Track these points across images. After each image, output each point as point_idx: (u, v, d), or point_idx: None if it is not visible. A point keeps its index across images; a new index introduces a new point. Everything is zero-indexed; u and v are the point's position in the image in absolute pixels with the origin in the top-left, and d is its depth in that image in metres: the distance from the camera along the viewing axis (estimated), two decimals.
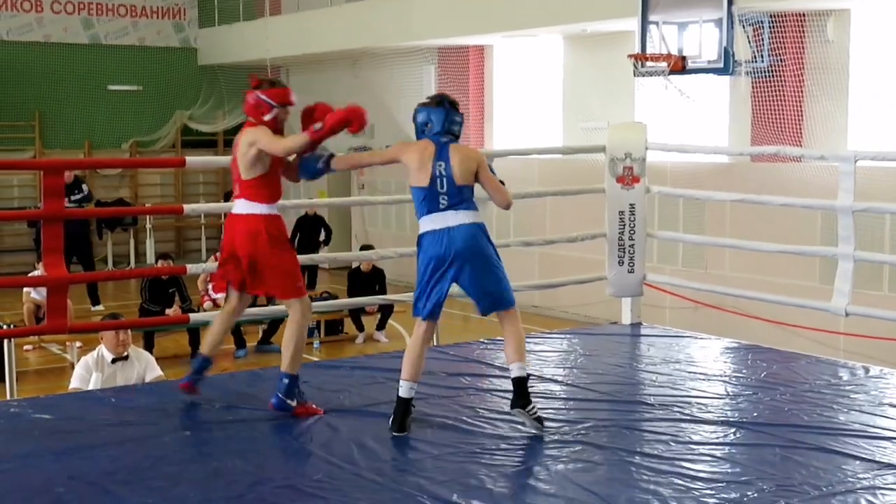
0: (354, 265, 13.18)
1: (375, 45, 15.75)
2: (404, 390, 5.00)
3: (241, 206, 5.27)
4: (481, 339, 7.54)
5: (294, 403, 5.16)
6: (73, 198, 13.62)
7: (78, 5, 18.87)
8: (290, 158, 5.41)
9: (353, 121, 5.16)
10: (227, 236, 5.37)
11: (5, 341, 7.22)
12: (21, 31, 18.42)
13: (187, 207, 6.75)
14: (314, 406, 5.22)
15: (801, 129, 11.21)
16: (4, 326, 10.43)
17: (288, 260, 5.27)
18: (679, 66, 11.00)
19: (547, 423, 5.02)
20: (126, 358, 7.01)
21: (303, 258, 6.00)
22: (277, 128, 5.22)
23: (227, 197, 15.08)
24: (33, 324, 11.18)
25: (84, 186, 14.18)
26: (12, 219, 16.47)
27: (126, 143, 18.91)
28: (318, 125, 5.15)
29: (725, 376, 6.29)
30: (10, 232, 18.06)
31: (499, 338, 7.69)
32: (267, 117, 5.21)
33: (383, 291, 12.53)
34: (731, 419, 5.26)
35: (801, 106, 11.25)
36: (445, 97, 5.28)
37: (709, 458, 4.62)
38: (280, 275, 5.21)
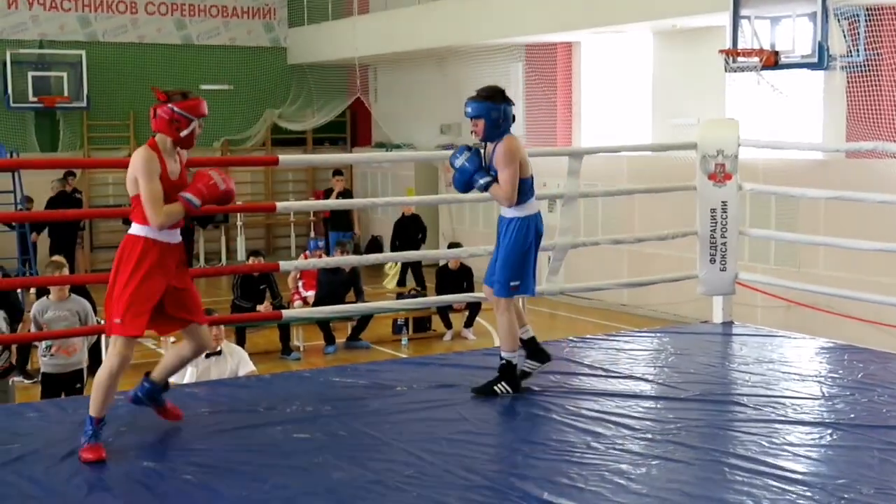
0: (442, 263, 13.22)
1: (463, 42, 15.77)
2: (515, 359, 5.57)
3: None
4: (570, 337, 7.52)
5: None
6: None
7: (171, 6, 19.22)
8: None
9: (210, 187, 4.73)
10: None
11: (102, 336, 7.40)
12: (116, 32, 18.83)
13: (280, 205, 6.82)
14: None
15: None
16: (101, 322, 10.65)
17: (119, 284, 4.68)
18: (772, 61, 10.82)
19: (638, 422, 4.99)
20: (219, 353, 7.14)
21: (400, 255, 6.03)
22: (192, 143, 4.76)
23: (327, 195, 15.30)
24: None
25: None
26: (111, 216, 16.82)
27: (217, 142, 19.22)
28: (191, 196, 4.68)
29: (820, 377, 6.18)
30: (105, 229, 18.47)
31: (588, 336, 7.66)
32: (184, 132, 4.72)
33: (471, 289, 12.52)
34: (827, 420, 5.16)
35: None
36: (501, 90, 5.54)
37: (805, 460, 4.54)
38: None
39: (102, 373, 4.66)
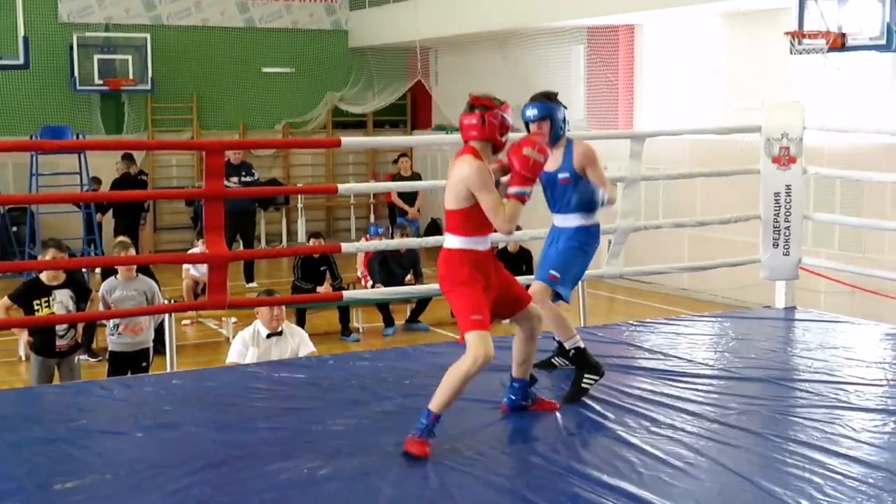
0: (501, 245, 13.20)
1: (524, 25, 15.70)
2: (579, 342, 5.35)
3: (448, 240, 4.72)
4: (630, 322, 7.49)
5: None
6: (244, 179, 14.19)
7: None
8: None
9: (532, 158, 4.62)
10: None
11: (166, 316, 7.50)
12: (180, 15, 19.00)
13: (341, 187, 6.88)
14: None
15: None
16: (166, 301, 10.82)
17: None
18: (838, 43, 10.64)
19: (699, 407, 4.97)
20: (280, 333, 7.22)
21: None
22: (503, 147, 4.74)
23: (395, 179, 15.42)
24: (192, 299, 11.56)
25: (254, 171, 14.70)
26: (176, 197, 17.03)
27: (279, 125, 19.34)
28: (520, 190, 4.61)
29: (885, 363, 6.11)
30: (168, 210, 18.68)
31: (648, 320, 7.63)
32: (505, 138, 4.69)
33: (530, 271, 12.51)
34: (890, 407, 5.10)
35: None
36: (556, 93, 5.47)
37: (866, 446, 4.50)
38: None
39: (458, 372, 4.48)
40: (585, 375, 5.28)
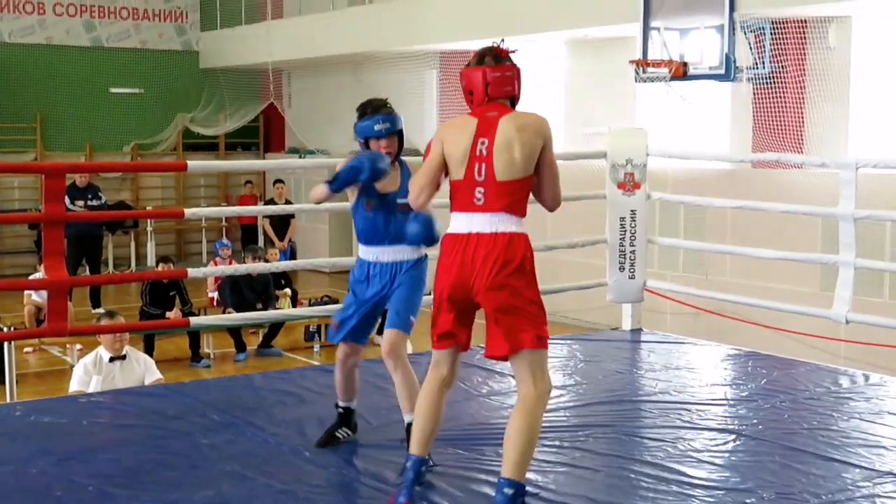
0: None
1: (378, 49, 15.75)
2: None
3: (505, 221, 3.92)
4: (480, 345, 7.52)
5: None
6: (90, 202, 13.63)
7: (80, 8, 18.87)
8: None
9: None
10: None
11: (6, 344, 7.22)
12: (23, 32, 18.42)
13: (188, 211, 6.75)
14: None
15: (802, 135, 11.20)
16: (5, 329, 10.42)
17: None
18: (680, 72, 10.99)
19: (544, 430, 5.02)
20: (124, 357, 7.01)
21: (306, 262, 5.94)
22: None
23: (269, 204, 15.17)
24: (34, 326, 11.18)
25: (101, 194, 14.19)
26: (14, 222, 16.48)
27: (128, 146, 18.91)
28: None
29: (726, 383, 6.29)
30: (10, 234, 18.04)
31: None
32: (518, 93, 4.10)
33: None
34: (730, 426, 5.25)
35: (802, 112, 11.24)
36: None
37: (709, 465, 4.62)
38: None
39: (535, 415, 3.82)
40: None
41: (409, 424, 4.36)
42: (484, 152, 3.86)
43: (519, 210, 3.91)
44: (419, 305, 4.72)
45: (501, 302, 3.81)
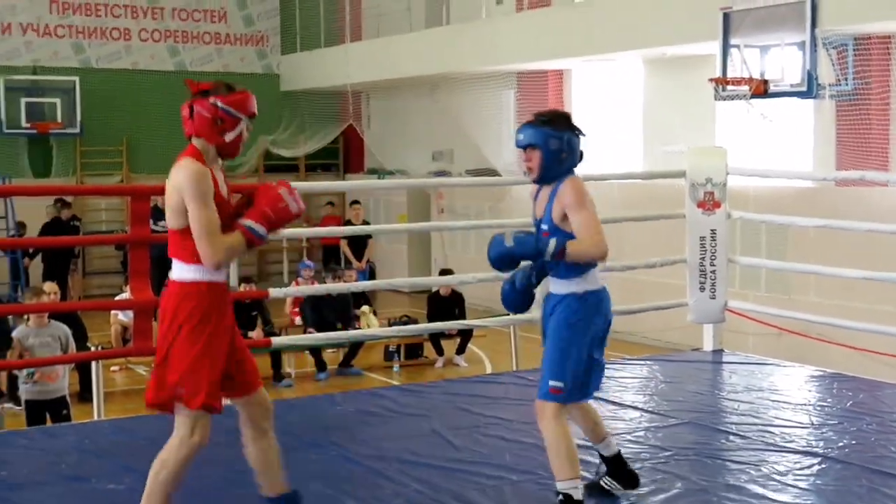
0: (434, 289, 13.22)
1: (455, 70, 15.83)
2: (577, 491, 4.08)
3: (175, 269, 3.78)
4: None
5: None
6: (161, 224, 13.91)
7: (164, 33, 19.29)
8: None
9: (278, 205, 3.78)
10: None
11: (93, 362, 7.37)
12: (110, 58, 18.87)
13: None
14: None
15: (887, 153, 11.01)
16: (93, 348, 10.64)
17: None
18: (761, 89, 10.88)
19: (627, 451, 4.99)
20: None
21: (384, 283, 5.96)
22: (238, 151, 3.85)
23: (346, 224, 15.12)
24: (120, 345, 11.39)
25: None
26: (101, 243, 16.83)
27: None
28: (254, 225, 3.73)
29: (810, 405, 6.19)
30: (98, 255, 18.43)
31: None
32: (231, 136, 3.76)
33: (463, 316, 12.54)
34: (815, 449, 5.17)
35: (887, 130, 11.04)
36: (566, 115, 4.28)
37: (793, 489, 4.55)
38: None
39: (156, 465, 3.80)
40: None
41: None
42: None
43: (183, 255, 3.72)
44: (566, 359, 4.11)
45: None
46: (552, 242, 3.98)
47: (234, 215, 3.78)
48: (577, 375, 4.08)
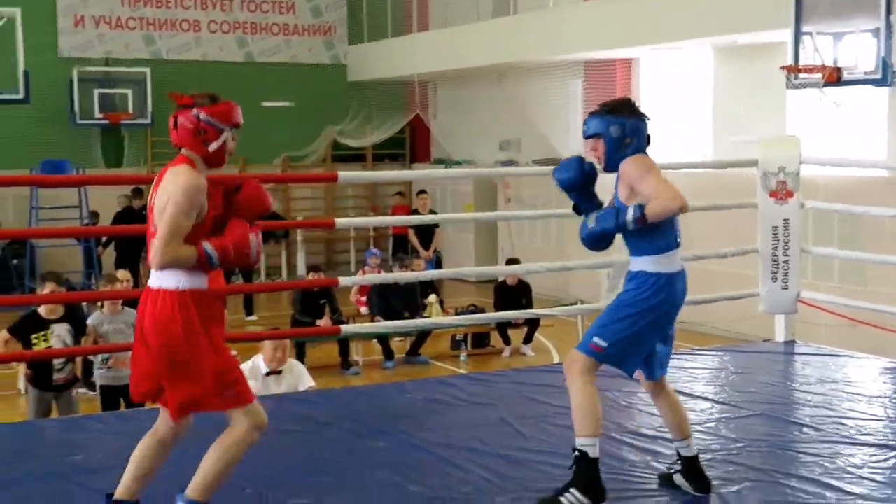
0: (501, 279, 13.20)
1: (522, 59, 15.78)
2: (593, 449, 4.11)
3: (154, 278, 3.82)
4: None
5: None
6: None
7: (233, 25, 19.47)
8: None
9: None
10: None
11: None
12: (179, 50, 19.10)
13: (339, 221, 6.90)
14: None
15: None
16: None
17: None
18: (834, 77, 10.69)
19: (699, 443, 4.93)
20: (279, 373, 7.20)
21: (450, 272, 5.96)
22: (222, 161, 3.91)
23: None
24: None
25: None
26: None
27: (278, 158, 19.39)
28: (212, 251, 3.76)
29: (885, 397, 6.09)
30: None
31: None
32: (214, 146, 3.82)
33: (530, 305, 12.52)
34: (892, 442, 5.08)
35: None
36: (630, 101, 4.33)
37: (869, 482, 4.48)
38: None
39: (219, 451, 3.95)
40: (572, 492, 4.08)
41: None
42: None
43: None
44: (618, 329, 4.15)
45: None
46: (630, 210, 4.05)
47: (224, 207, 3.90)
48: (622, 344, 4.13)
